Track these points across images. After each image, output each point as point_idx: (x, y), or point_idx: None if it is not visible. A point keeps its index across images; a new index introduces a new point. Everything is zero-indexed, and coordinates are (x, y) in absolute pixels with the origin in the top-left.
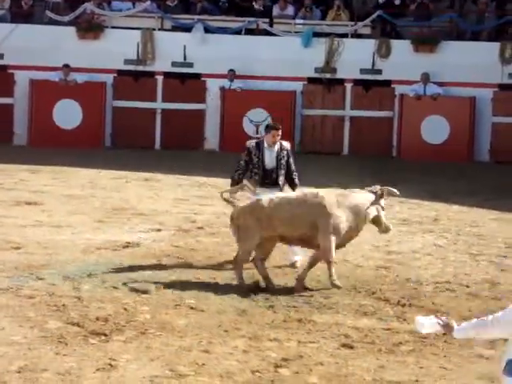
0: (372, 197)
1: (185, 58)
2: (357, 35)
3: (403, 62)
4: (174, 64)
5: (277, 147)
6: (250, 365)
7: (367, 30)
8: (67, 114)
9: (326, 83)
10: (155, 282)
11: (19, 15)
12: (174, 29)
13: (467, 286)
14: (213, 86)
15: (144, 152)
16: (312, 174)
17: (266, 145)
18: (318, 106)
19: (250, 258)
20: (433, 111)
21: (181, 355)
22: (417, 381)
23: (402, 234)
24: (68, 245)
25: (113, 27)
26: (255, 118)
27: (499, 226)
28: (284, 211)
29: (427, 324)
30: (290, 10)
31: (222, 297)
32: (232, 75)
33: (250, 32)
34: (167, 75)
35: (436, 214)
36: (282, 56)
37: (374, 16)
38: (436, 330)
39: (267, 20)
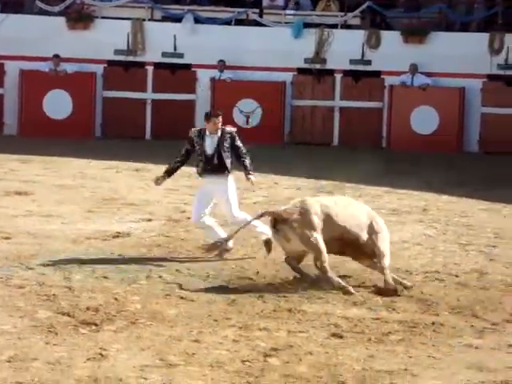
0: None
1: (175, 49)
2: (346, 26)
3: (393, 52)
4: (164, 54)
5: (219, 133)
6: (239, 354)
7: (357, 21)
8: (57, 105)
9: (315, 74)
10: (145, 272)
11: (9, 5)
12: (164, 19)
13: (456, 276)
14: (203, 77)
15: (134, 142)
16: (301, 165)
17: (207, 133)
18: (307, 96)
19: (285, 257)
20: (422, 102)
21: (171, 345)
22: (406, 369)
23: (391, 223)
24: (58, 235)
25: (103, 17)
26: (245, 109)
27: (488, 216)
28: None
29: None
30: (280, 0)
31: (212, 287)
32: (222, 66)
33: (239, 22)
34: (157, 65)
35: (425, 204)
36: (271, 46)
37: (364, 7)
38: None
39: (257, 10)
